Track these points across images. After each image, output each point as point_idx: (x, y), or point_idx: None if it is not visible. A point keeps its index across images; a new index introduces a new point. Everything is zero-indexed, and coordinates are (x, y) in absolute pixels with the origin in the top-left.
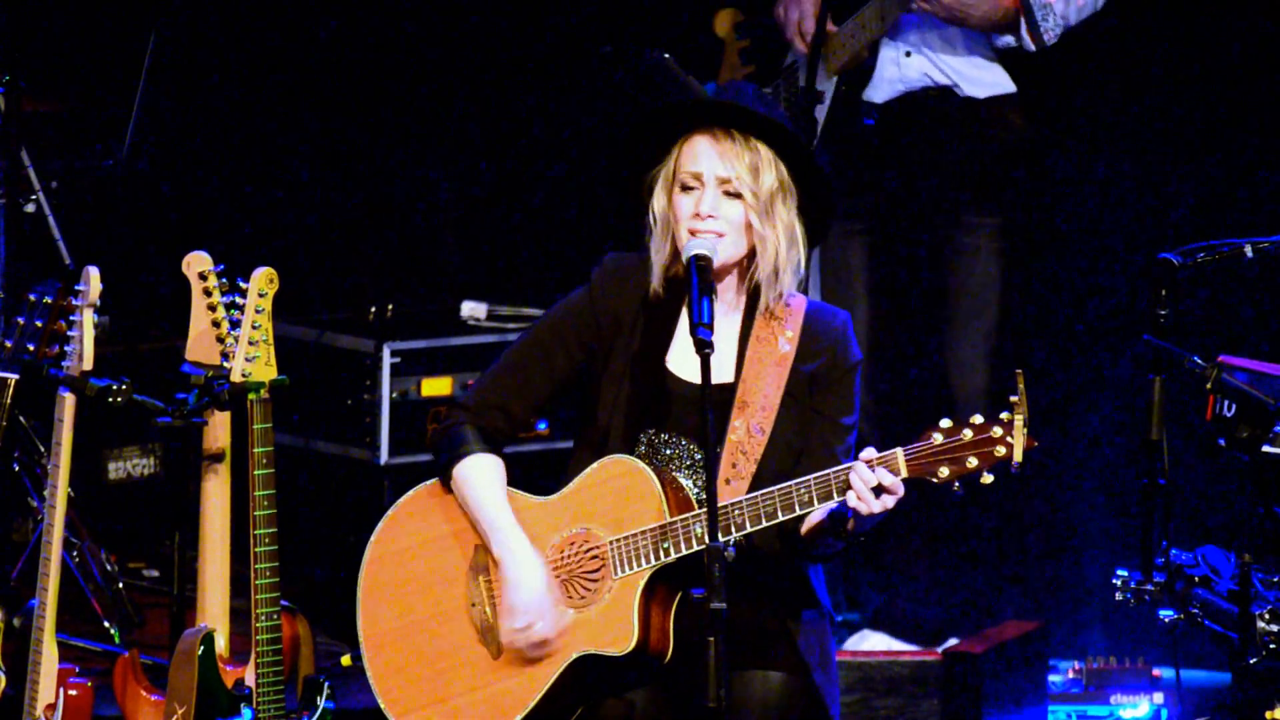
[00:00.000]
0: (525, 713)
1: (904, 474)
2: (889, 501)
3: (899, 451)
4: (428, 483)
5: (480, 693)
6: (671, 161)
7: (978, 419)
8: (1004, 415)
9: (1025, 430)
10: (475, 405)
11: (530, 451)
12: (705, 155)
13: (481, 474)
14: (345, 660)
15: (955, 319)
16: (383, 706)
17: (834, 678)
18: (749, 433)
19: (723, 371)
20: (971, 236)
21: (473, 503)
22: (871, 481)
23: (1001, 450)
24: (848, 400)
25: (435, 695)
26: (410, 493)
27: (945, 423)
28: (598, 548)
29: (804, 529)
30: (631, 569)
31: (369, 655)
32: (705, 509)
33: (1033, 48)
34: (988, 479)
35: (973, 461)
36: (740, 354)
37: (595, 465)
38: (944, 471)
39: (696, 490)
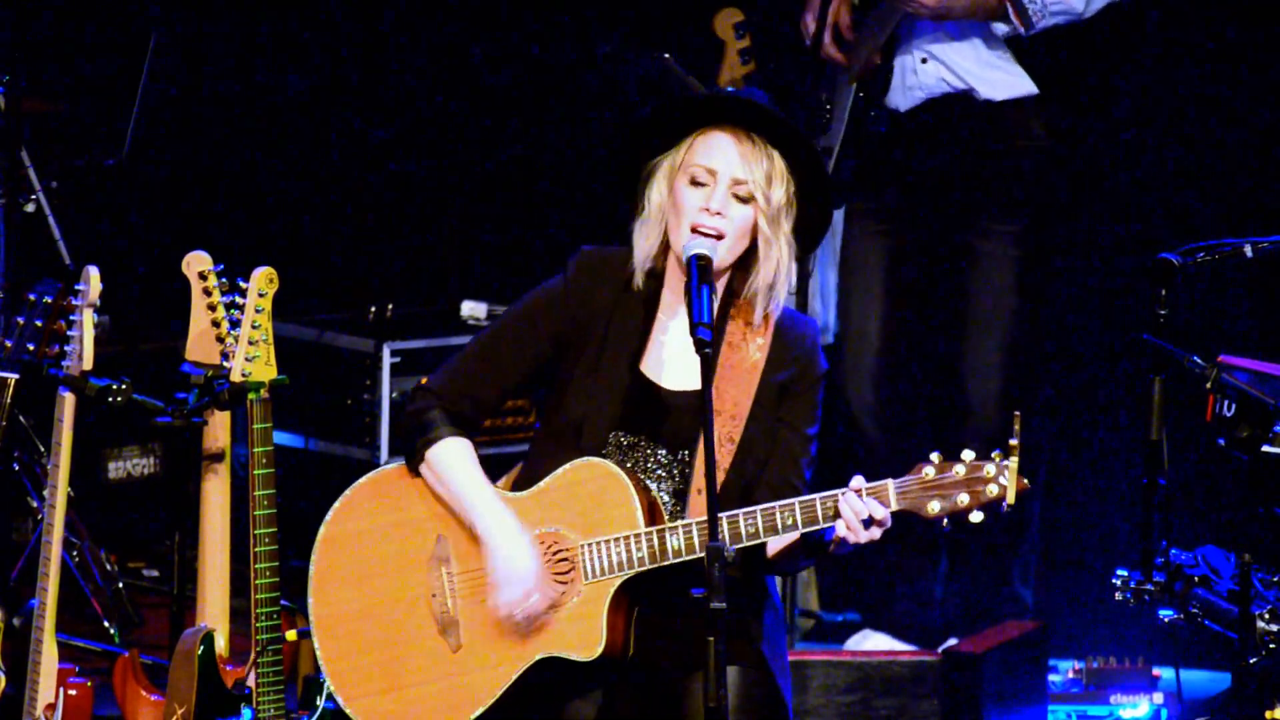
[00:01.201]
0: (483, 709)
1: (894, 506)
2: (876, 533)
3: (890, 483)
4: (387, 465)
5: (436, 685)
6: (681, 152)
7: (968, 455)
8: (996, 455)
9: (1019, 473)
10: (443, 390)
11: (525, 452)
12: (725, 152)
13: (457, 456)
14: (290, 635)
15: (973, 324)
16: (332, 689)
17: (788, 676)
18: (719, 441)
19: (693, 377)
20: (990, 243)
21: (451, 484)
22: (863, 513)
23: (994, 490)
24: (812, 411)
25: (388, 683)
26: (369, 475)
27: (935, 457)
28: (568, 550)
29: (773, 549)
30: (602, 575)
31: (320, 637)
32: (679, 522)
33: (1023, 31)
34: (977, 518)
35: (963, 499)
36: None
37: (569, 466)
38: (934, 507)
39: (665, 497)
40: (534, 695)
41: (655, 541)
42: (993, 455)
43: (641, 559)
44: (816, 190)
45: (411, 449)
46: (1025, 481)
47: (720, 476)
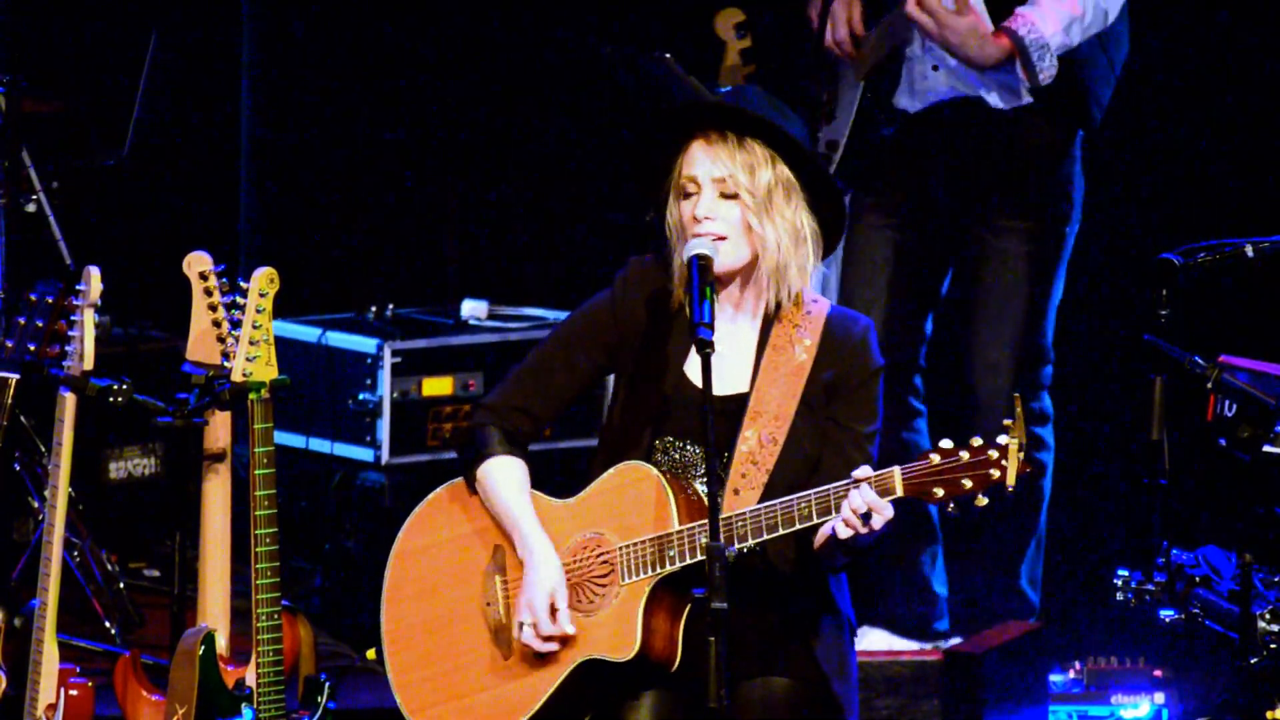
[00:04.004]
0: (529, 715)
1: (900, 493)
2: (878, 523)
3: (895, 470)
4: (452, 481)
5: (490, 693)
6: (675, 171)
7: (976, 441)
8: (1000, 439)
9: (1020, 455)
10: (498, 406)
11: (533, 451)
12: (699, 159)
13: (505, 476)
14: (370, 654)
15: (982, 321)
16: (399, 702)
17: (854, 685)
18: (760, 443)
19: (738, 381)
20: (1002, 239)
21: (496, 504)
22: (860, 507)
23: (995, 473)
24: (868, 408)
25: (449, 693)
26: (436, 491)
27: (945, 443)
28: (608, 553)
29: (816, 542)
30: (637, 576)
31: (389, 651)
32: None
33: (1028, 86)
34: (982, 501)
35: (967, 483)
36: (756, 363)
37: (611, 471)
38: (939, 492)
39: None
40: (585, 703)
41: (686, 539)
42: (997, 440)
43: (673, 557)
44: (807, 169)
45: (466, 464)
46: (1027, 465)
47: (762, 479)
